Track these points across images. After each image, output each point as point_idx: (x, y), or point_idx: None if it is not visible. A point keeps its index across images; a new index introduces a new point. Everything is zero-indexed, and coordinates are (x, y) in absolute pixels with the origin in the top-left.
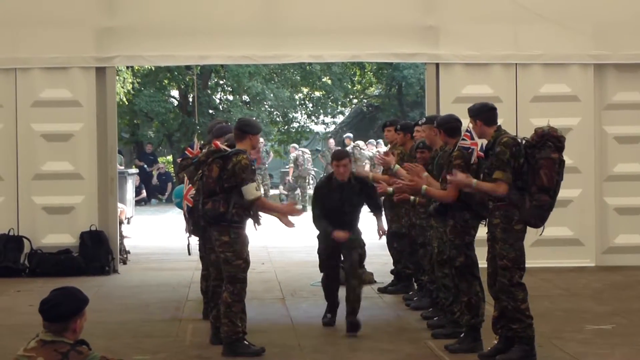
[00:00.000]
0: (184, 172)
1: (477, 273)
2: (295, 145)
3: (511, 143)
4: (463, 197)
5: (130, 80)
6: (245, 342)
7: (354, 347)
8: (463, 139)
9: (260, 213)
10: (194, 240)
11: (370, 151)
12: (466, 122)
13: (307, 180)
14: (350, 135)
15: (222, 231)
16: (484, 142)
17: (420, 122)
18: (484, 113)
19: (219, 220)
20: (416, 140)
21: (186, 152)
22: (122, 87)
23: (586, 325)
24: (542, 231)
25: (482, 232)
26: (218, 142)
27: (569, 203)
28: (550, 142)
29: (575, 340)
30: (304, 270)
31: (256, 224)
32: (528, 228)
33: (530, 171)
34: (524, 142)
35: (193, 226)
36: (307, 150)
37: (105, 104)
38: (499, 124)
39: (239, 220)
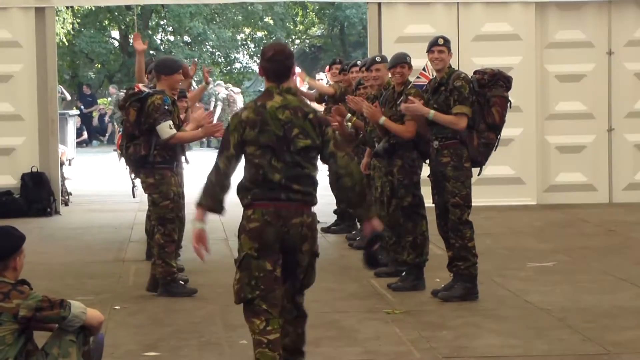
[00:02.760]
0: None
1: (424, 212)
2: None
3: (469, 79)
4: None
5: (70, 21)
6: (180, 282)
7: None
8: (418, 77)
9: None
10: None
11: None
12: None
13: None
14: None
15: (147, 173)
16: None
17: (358, 63)
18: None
19: (142, 163)
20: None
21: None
22: (62, 28)
23: (528, 263)
24: (481, 171)
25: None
26: (140, 85)
27: (511, 142)
28: (501, 81)
29: (517, 278)
30: None
31: (184, 163)
32: None
33: (479, 109)
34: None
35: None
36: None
37: (45, 44)
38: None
39: (162, 161)
